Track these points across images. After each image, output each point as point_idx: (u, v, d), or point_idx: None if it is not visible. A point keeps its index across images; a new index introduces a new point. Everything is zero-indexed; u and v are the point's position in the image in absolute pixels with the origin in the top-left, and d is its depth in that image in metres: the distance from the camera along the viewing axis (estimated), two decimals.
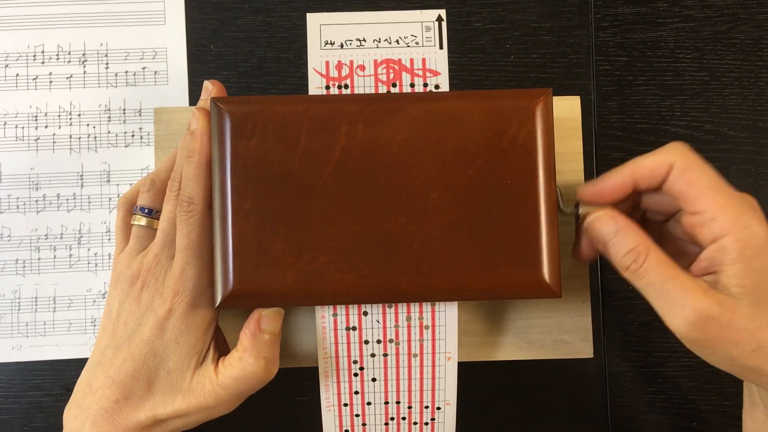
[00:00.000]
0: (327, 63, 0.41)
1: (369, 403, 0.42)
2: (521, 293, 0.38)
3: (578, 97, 0.44)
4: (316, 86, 0.41)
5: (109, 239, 0.50)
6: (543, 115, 0.37)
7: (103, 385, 0.38)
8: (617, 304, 0.50)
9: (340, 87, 0.41)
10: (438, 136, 0.37)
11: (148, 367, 0.37)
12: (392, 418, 0.42)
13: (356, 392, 0.41)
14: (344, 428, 0.42)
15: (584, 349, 0.44)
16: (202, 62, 0.51)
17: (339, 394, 0.41)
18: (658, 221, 0.40)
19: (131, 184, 0.50)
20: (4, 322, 0.49)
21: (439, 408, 0.42)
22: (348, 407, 0.42)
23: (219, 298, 0.37)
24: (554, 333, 0.44)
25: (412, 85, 0.41)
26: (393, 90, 0.41)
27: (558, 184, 0.39)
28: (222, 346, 0.41)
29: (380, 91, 0.41)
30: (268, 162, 0.37)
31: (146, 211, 0.40)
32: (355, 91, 0.41)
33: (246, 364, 0.37)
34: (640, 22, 0.52)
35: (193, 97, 0.51)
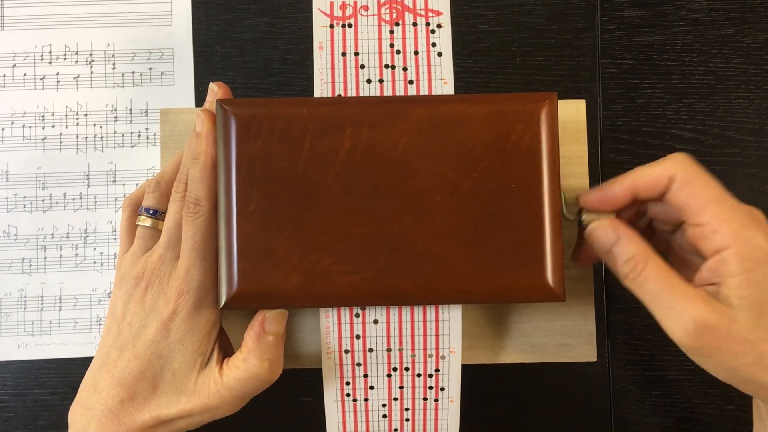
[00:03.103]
0: (331, 3, 0.41)
1: (371, 350, 0.41)
2: (525, 297, 0.38)
3: (583, 101, 0.44)
4: (320, 25, 0.41)
5: (114, 239, 0.50)
6: (548, 119, 0.37)
7: (108, 385, 0.38)
8: (621, 308, 0.50)
9: (344, 26, 0.41)
10: (442, 139, 0.37)
11: (152, 367, 0.38)
12: (395, 369, 0.41)
13: (357, 336, 0.41)
14: (345, 380, 0.41)
15: (588, 353, 0.44)
16: (208, 63, 0.51)
17: (340, 338, 0.40)
18: (666, 231, 0.40)
19: (137, 184, 0.50)
20: (10, 320, 0.50)
21: (443, 357, 0.41)
22: (349, 354, 0.41)
23: (223, 299, 0.38)
24: (558, 336, 0.44)
25: (415, 24, 0.41)
26: (396, 28, 0.41)
27: (563, 188, 0.39)
28: (226, 347, 0.41)
29: (383, 30, 0.41)
30: (273, 164, 0.37)
31: (151, 212, 0.40)
32: (359, 30, 0.41)
33: (250, 366, 0.38)
34: (647, 25, 0.51)
35: (200, 98, 0.51)
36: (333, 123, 0.37)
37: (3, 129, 0.50)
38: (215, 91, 0.40)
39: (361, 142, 0.37)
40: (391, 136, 0.37)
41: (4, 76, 0.51)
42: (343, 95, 0.40)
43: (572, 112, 0.44)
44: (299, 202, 0.37)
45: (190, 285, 0.37)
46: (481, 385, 0.49)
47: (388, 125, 0.37)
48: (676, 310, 0.34)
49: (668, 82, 0.51)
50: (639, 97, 0.51)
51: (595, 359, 0.44)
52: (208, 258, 0.38)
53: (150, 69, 0.51)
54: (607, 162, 0.50)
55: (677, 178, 0.35)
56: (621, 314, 0.50)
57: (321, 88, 0.40)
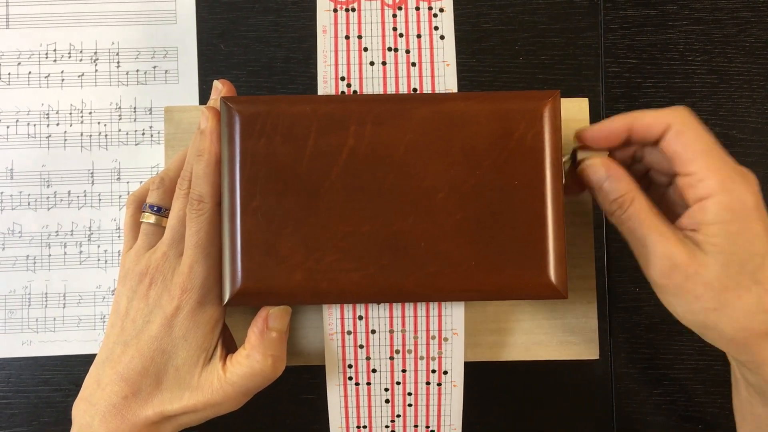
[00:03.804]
0: None
1: (373, 332, 0.41)
2: (527, 294, 0.38)
3: (586, 99, 0.44)
4: (324, 9, 0.41)
5: (118, 236, 0.50)
6: (551, 117, 0.37)
7: (111, 381, 0.38)
8: (624, 307, 0.50)
9: (347, 10, 0.41)
10: (446, 137, 0.37)
11: (156, 363, 0.38)
12: (397, 351, 0.41)
13: (360, 317, 0.40)
14: (347, 362, 0.41)
15: (590, 351, 0.44)
16: (212, 61, 0.51)
17: (342, 318, 0.40)
18: (662, 184, 0.41)
19: (141, 182, 0.50)
20: (14, 317, 0.50)
21: (446, 339, 0.40)
22: (351, 336, 0.41)
23: (227, 296, 0.38)
24: (560, 334, 0.44)
25: (417, 9, 0.41)
26: (399, 12, 0.41)
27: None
28: (229, 344, 0.41)
29: (386, 14, 0.41)
30: (277, 161, 0.38)
31: (155, 209, 0.40)
32: (362, 14, 0.41)
33: (253, 362, 0.38)
34: (650, 25, 0.52)
35: (203, 96, 0.51)
36: (336, 121, 0.38)
37: (8, 127, 0.51)
38: (219, 88, 0.41)
39: (364, 139, 0.38)
40: (395, 134, 0.38)
41: (9, 74, 0.51)
42: (346, 77, 0.40)
43: (575, 110, 0.44)
44: (303, 199, 0.38)
45: (193, 282, 0.38)
46: (483, 382, 0.49)
47: (392, 123, 0.38)
48: (652, 247, 0.36)
49: (671, 81, 0.51)
50: (642, 96, 0.51)
51: (597, 357, 0.44)
52: (212, 255, 0.38)
53: (154, 67, 0.51)
54: None
55: (673, 127, 0.36)
56: (623, 313, 0.50)
57: (324, 71, 0.41)
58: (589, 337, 0.44)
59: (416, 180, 0.38)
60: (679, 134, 0.36)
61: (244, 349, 0.38)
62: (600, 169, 0.38)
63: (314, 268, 0.37)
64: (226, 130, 0.38)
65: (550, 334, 0.44)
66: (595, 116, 0.50)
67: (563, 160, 0.39)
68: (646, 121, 0.37)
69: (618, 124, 0.38)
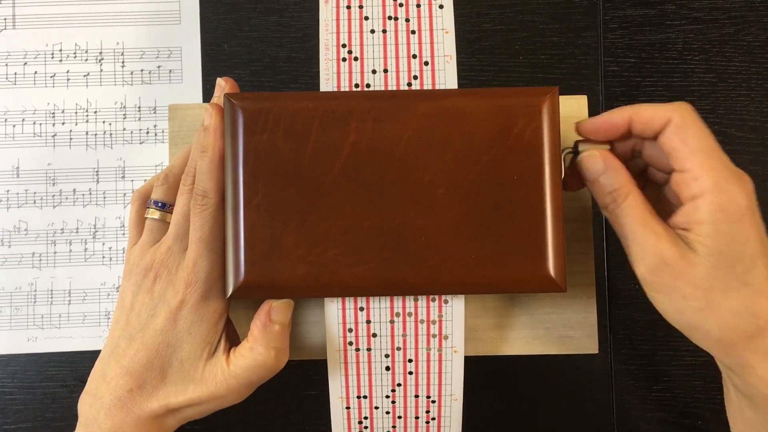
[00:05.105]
0: None
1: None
2: (527, 287, 0.38)
3: (585, 96, 0.45)
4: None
5: (123, 234, 0.51)
6: (549, 113, 0.38)
7: (116, 374, 0.38)
8: (623, 303, 0.50)
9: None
10: (446, 133, 0.38)
11: (161, 357, 0.38)
12: (398, 314, 0.41)
13: None
14: (347, 326, 0.41)
15: (589, 345, 0.44)
16: (215, 61, 0.52)
17: None
18: (659, 182, 0.41)
19: (146, 180, 0.51)
20: (20, 314, 0.50)
21: (446, 301, 0.41)
22: (351, 298, 0.41)
23: (230, 289, 0.38)
24: (560, 328, 0.44)
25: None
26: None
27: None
28: (233, 337, 0.41)
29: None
30: (280, 157, 0.38)
31: (160, 204, 0.41)
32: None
33: (257, 354, 0.38)
34: (649, 24, 0.52)
35: (207, 96, 0.52)
36: (338, 117, 0.38)
37: (14, 126, 0.51)
38: (222, 85, 0.41)
39: (365, 135, 0.38)
40: (395, 129, 0.38)
41: (15, 73, 0.52)
42: (347, 44, 0.41)
43: (574, 107, 0.45)
44: (305, 194, 0.38)
45: (197, 275, 0.38)
46: (482, 377, 0.50)
47: (393, 119, 0.38)
48: (642, 243, 0.36)
49: (670, 80, 0.52)
50: (641, 95, 0.52)
51: (596, 351, 0.44)
52: (216, 249, 0.39)
53: (158, 67, 0.52)
54: None
55: (673, 122, 0.36)
56: (623, 309, 0.50)
57: (326, 38, 0.41)
58: (589, 331, 0.44)
59: (417, 175, 0.38)
60: (679, 130, 0.36)
61: (248, 341, 0.39)
62: (598, 161, 0.37)
63: (316, 262, 0.38)
64: (229, 126, 0.38)
65: (550, 329, 0.44)
66: (594, 115, 0.50)
67: (565, 153, 0.39)
68: (647, 114, 0.37)
69: (619, 117, 0.38)
